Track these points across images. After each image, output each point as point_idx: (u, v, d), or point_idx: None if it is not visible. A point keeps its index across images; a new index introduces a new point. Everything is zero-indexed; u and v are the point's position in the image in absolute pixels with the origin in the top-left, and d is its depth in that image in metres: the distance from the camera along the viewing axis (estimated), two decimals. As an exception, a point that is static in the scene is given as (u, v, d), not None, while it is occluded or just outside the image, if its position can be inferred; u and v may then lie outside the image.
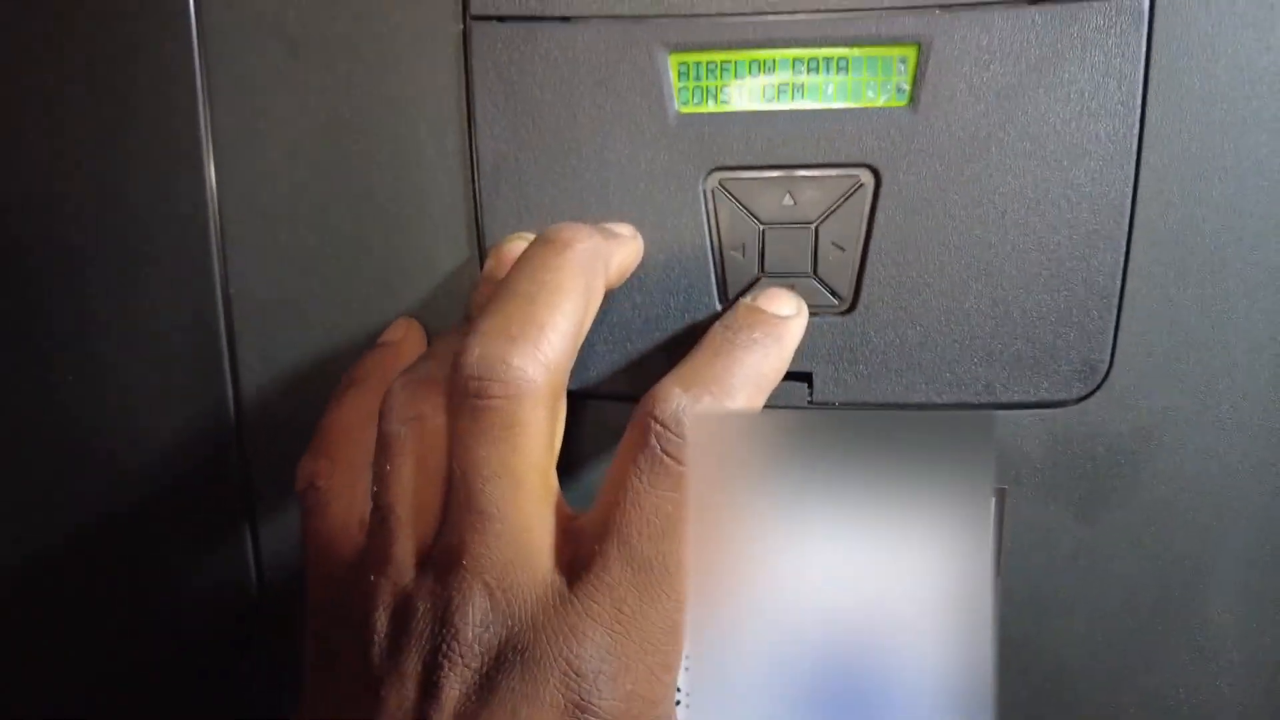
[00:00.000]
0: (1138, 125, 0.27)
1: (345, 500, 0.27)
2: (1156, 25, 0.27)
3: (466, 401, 0.23)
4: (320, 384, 0.31)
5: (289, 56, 0.29)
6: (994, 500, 0.30)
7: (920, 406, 0.29)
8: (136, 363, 0.32)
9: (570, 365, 0.25)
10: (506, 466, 0.23)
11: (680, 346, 0.29)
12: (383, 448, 0.25)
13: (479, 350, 0.23)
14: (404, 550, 0.24)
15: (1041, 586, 0.30)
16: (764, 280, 0.29)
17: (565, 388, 0.25)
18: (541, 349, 0.23)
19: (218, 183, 0.30)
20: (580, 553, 0.24)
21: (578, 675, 0.23)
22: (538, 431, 0.24)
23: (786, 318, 0.27)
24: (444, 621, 0.23)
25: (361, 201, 0.30)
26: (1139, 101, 0.27)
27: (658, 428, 0.24)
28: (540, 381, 0.23)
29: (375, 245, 0.30)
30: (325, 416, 0.28)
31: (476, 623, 0.23)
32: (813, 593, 0.23)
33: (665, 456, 0.23)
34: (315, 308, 0.31)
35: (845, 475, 0.22)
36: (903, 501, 0.22)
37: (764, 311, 0.27)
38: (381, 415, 0.25)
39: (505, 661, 0.23)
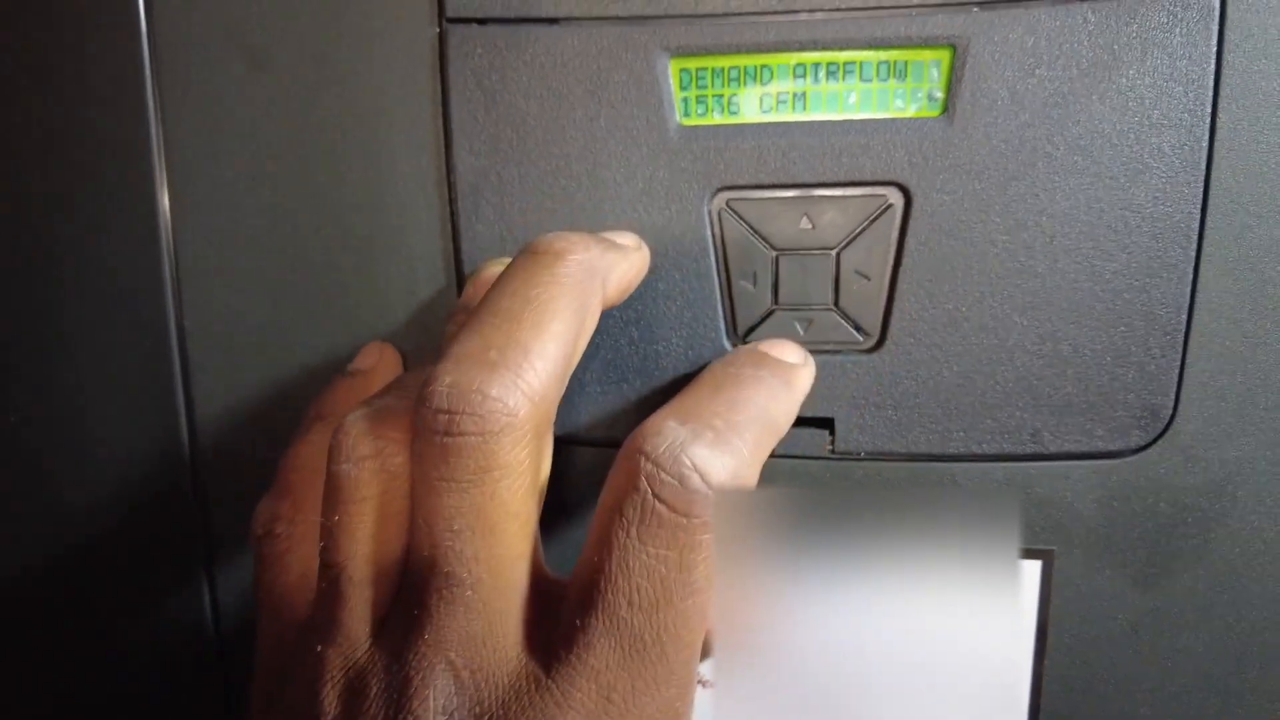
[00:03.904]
0: (1207, 137, 0.24)
1: (306, 550, 0.24)
2: (1229, 22, 0.24)
3: (434, 439, 0.20)
4: (281, 423, 0.28)
5: (248, 65, 0.27)
6: (1039, 566, 0.27)
7: (956, 458, 0.26)
8: (84, 402, 0.29)
9: (559, 397, 0.21)
10: (481, 518, 0.20)
11: (681, 388, 0.26)
12: (332, 494, 0.22)
13: (450, 378, 0.20)
14: (355, 618, 0.22)
15: (1095, 665, 0.28)
16: (778, 314, 0.26)
17: (552, 423, 0.22)
18: (525, 377, 0.20)
19: (171, 205, 0.28)
20: (559, 627, 0.21)
21: None
22: (518, 475, 0.20)
23: (794, 365, 0.24)
24: (400, 706, 0.20)
25: (327, 224, 0.28)
26: (1208, 110, 0.24)
27: (649, 467, 0.20)
28: (522, 415, 0.20)
29: (342, 272, 0.28)
30: (287, 455, 0.26)
31: (439, 709, 0.20)
32: (841, 677, 0.21)
33: (658, 504, 0.20)
34: (276, 342, 0.28)
35: (873, 551, 0.21)
36: (931, 580, 0.21)
37: (768, 355, 0.24)
38: (331, 454, 0.22)
39: None
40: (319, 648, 0.22)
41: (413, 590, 0.21)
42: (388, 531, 0.21)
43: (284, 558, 0.24)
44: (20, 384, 0.30)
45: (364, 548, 0.21)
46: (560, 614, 0.21)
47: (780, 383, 0.23)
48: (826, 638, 0.21)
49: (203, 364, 0.29)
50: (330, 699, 0.21)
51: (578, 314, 0.21)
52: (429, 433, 0.20)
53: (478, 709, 0.20)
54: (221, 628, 0.31)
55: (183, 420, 0.29)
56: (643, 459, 0.20)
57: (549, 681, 0.20)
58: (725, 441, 0.21)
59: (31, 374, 0.29)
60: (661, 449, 0.20)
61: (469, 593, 0.20)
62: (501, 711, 0.20)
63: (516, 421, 0.20)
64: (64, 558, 0.31)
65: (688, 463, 0.20)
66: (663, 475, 0.20)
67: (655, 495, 0.20)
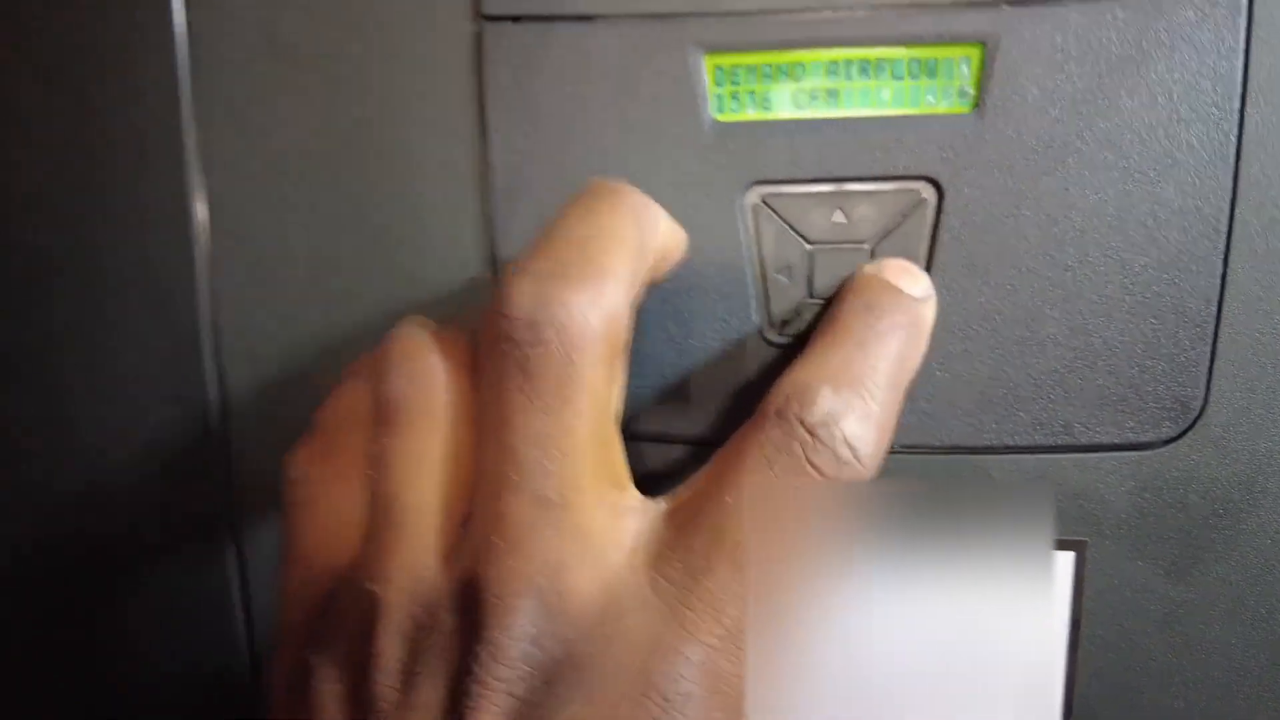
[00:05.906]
0: (1235, 131, 0.25)
1: (340, 494, 0.22)
2: (1257, 17, 0.24)
3: (514, 351, 0.19)
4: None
5: (283, 63, 0.27)
6: (1073, 557, 0.27)
7: (989, 450, 0.27)
8: (116, 405, 0.29)
9: (632, 324, 0.21)
10: (567, 435, 0.19)
11: (718, 380, 0.27)
12: (382, 417, 0.20)
13: (531, 288, 0.19)
14: (416, 549, 0.20)
15: (1128, 656, 0.28)
16: (813, 306, 0.26)
17: (626, 351, 0.21)
18: (606, 294, 0.20)
19: (205, 201, 0.28)
20: (670, 550, 0.20)
21: (663, 699, 0.19)
22: (601, 394, 0.20)
23: (921, 300, 0.23)
24: (478, 636, 0.19)
25: (362, 220, 0.28)
26: (1237, 104, 0.25)
27: (803, 434, 0.20)
28: (603, 333, 0.19)
29: (377, 269, 0.28)
30: (321, 407, 0.24)
31: (523, 635, 0.19)
32: (871, 666, 0.21)
33: (810, 468, 0.20)
34: (309, 339, 0.28)
35: (904, 543, 0.21)
36: (964, 571, 0.21)
37: (903, 293, 0.23)
38: (378, 373, 0.20)
39: (561, 683, 0.19)
40: (372, 587, 0.20)
41: (488, 517, 0.19)
42: (447, 456, 0.20)
43: (315, 502, 0.22)
44: (43, 371, 0.29)
45: (421, 474, 0.20)
46: (667, 536, 0.20)
47: (915, 329, 0.23)
48: (857, 627, 0.21)
49: (235, 363, 0.29)
50: (389, 640, 0.19)
51: (639, 249, 0.21)
52: (508, 343, 0.19)
53: (570, 630, 0.19)
54: (252, 613, 0.30)
55: (215, 421, 0.29)
56: (799, 425, 0.20)
57: (656, 601, 0.19)
58: (872, 414, 0.21)
59: (53, 364, 0.29)
60: (817, 420, 0.20)
61: (556, 512, 0.19)
62: (599, 631, 0.19)
63: (599, 339, 0.19)
64: (86, 539, 0.30)
65: (840, 437, 0.20)
66: (818, 445, 0.20)
67: (809, 460, 0.20)
